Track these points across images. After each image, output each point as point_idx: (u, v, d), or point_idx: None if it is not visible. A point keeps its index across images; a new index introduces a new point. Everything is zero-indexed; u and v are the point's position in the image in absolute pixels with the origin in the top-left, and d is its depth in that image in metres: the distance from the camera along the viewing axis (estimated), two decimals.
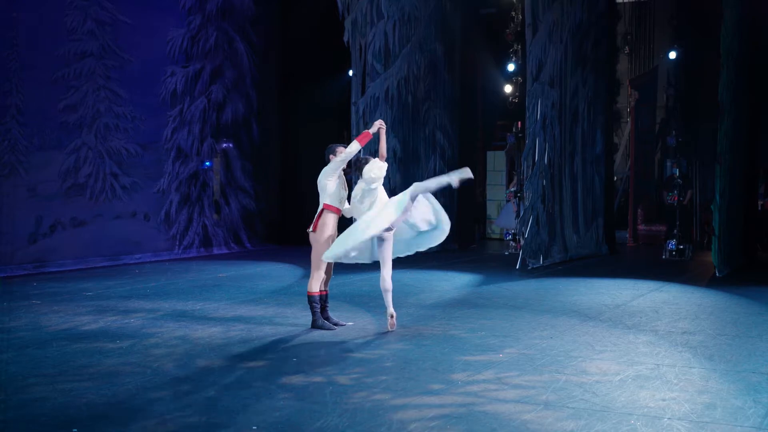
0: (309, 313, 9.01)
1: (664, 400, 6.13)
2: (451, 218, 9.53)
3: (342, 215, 9.00)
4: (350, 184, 9.11)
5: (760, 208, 18.01)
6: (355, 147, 8.92)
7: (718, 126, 13.40)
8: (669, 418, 5.66)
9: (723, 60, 13.39)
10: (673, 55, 18.98)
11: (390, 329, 8.69)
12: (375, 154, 9.27)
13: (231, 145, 18.18)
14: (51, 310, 10.31)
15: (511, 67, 19.97)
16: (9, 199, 14.17)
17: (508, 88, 20.52)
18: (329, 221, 8.69)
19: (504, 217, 19.40)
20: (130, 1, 16.18)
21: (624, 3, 22.64)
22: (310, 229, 8.70)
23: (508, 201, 19.39)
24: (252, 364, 7.37)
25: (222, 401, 6.18)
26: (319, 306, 8.86)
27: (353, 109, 16.18)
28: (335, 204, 8.79)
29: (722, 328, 9.12)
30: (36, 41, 14.60)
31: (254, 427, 5.52)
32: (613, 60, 18.78)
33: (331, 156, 8.94)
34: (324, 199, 8.75)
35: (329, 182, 8.78)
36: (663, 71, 22.98)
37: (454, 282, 13.11)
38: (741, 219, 15.07)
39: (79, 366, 7.31)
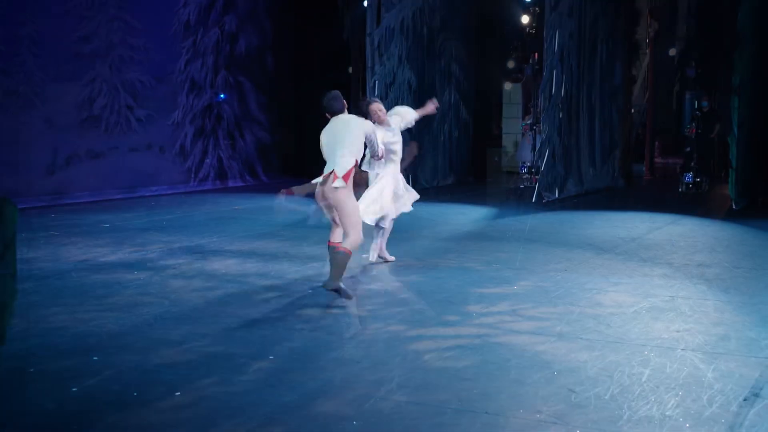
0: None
1: (678, 331, 6.17)
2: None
3: None
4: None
5: None
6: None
7: (738, 56, 13.22)
8: (683, 349, 5.70)
9: None
10: None
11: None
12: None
13: (224, 96, 18.00)
14: (69, 241, 10.40)
15: None
16: (25, 129, 14.18)
17: (525, 19, 20.22)
18: (353, 178, 7.51)
19: (523, 150, 19.33)
20: None
21: None
22: (338, 183, 7.16)
23: (524, 134, 19.29)
24: (268, 295, 7.44)
25: (239, 331, 6.25)
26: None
27: (368, 40, 16.03)
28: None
29: (738, 261, 9.12)
30: None
31: (271, 357, 5.60)
32: None
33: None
34: (355, 154, 7.38)
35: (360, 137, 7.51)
36: (683, 1, 22.63)
37: (469, 215, 13.12)
38: (760, 152, 14.94)
39: (98, 296, 7.40)
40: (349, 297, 7.04)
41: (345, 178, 7.18)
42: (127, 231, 11.30)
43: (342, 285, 7.05)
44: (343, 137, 7.36)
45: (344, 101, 7.68)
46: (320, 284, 7.62)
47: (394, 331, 6.20)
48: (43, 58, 14.45)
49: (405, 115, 9.15)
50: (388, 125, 8.70)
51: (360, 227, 7.41)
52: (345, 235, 7.32)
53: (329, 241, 7.64)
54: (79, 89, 15.18)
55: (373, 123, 8.09)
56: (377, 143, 7.93)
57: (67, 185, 14.90)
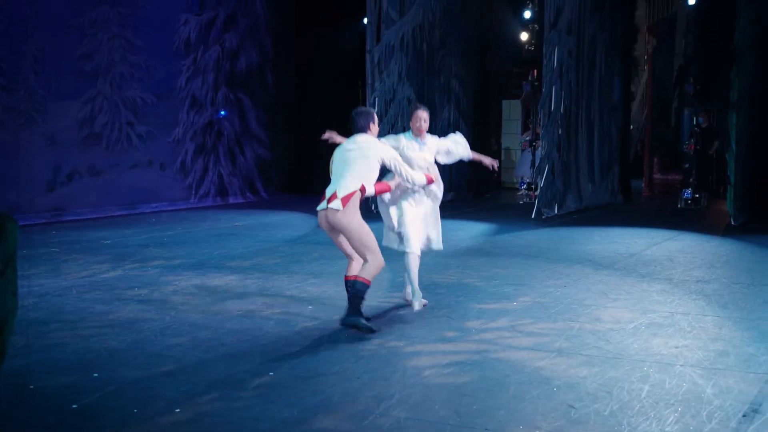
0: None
1: (677, 347, 6.18)
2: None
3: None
4: None
5: None
6: (418, 178, 7.19)
7: (735, 72, 13.28)
8: (681, 365, 5.71)
9: (740, 6, 13.24)
10: (692, 0, 18.72)
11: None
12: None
13: (224, 113, 18.05)
14: (70, 257, 10.41)
15: (527, 14, 19.79)
16: (27, 146, 14.21)
17: (524, 36, 20.35)
18: (357, 202, 6.75)
19: (522, 166, 19.38)
20: None
21: None
22: (335, 205, 6.62)
23: (523, 150, 19.34)
24: (268, 312, 7.45)
25: (239, 347, 6.26)
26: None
27: (368, 57, 16.09)
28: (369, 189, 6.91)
29: (737, 277, 9.13)
30: None
31: (271, 373, 5.60)
32: (631, 6, 18.56)
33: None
34: (364, 179, 6.75)
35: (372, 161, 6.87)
36: (682, 17, 22.72)
37: (469, 231, 13.13)
38: (757, 168, 14.98)
39: (98, 312, 7.40)
40: (372, 331, 6.54)
41: (344, 200, 6.58)
42: (127, 247, 11.31)
43: (362, 320, 6.57)
44: (355, 158, 6.80)
45: (372, 120, 7.05)
46: (320, 301, 7.63)
47: (394, 347, 6.20)
48: (45, 75, 14.48)
49: (454, 147, 7.75)
50: (424, 142, 7.50)
51: (377, 250, 6.72)
52: (363, 262, 6.72)
53: (346, 276, 6.94)
54: (81, 106, 15.21)
55: (411, 131, 7.46)
56: (401, 169, 6.98)
57: (68, 202, 14.92)
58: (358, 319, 6.54)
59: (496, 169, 7.93)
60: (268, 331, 6.74)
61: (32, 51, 14.25)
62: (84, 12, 15.13)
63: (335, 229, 6.76)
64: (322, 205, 6.72)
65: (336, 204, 6.57)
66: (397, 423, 4.67)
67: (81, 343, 6.39)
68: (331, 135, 7.44)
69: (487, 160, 7.85)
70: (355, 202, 6.64)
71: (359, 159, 6.77)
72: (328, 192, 6.74)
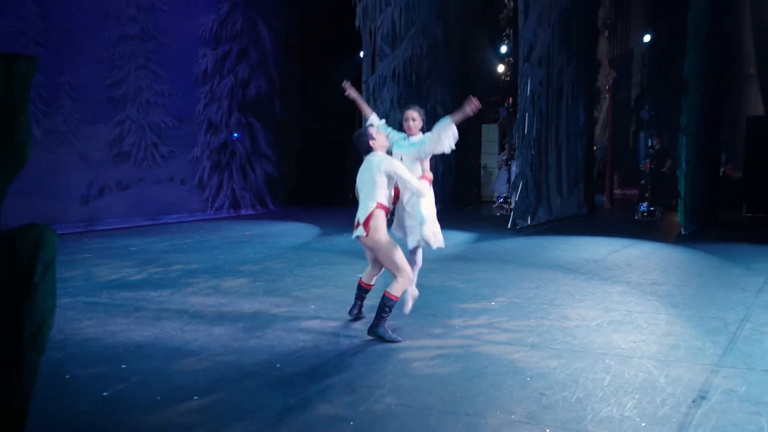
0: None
1: (634, 342, 6.19)
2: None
3: None
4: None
5: (721, 174, 17.99)
6: (421, 187, 6.59)
7: (684, 100, 13.34)
8: (639, 358, 5.71)
9: (690, 41, 13.31)
10: (647, 38, 18.81)
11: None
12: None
13: (237, 135, 18.08)
14: (101, 262, 10.39)
15: (504, 48, 19.82)
16: (63, 165, 14.22)
17: (501, 68, 20.38)
18: (379, 222, 6.36)
19: (498, 182, 19.41)
20: None
21: None
22: (359, 232, 6.37)
23: (500, 168, 19.36)
24: (275, 310, 7.44)
25: (249, 342, 6.25)
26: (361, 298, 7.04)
27: (364, 86, 16.11)
28: (386, 203, 6.51)
29: (687, 280, 9.15)
30: (85, 26, 14.53)
31: (278, 365, 5.59)
32: (594, 42, 18.61)
33: (370, 141, 6.56)
34: (377, 198, 6.37)
35: (379, 178, 6.41)
36: (638, 52, 22.79)
37: (451, 239, 13.09)
38: (704, 184, 15.05)
39: (126, 311, 7.39)
40: (396, 341, 6.19)
41: (366, 224, 6.28)
42: (151, 253, 11.29)
43: (388, 332, 6.25)
44: (363, 181, 6.48)
45: (369, 138, 6.56)
46: (322, 300, 7.61)
47: (386, 343, 6.19)
48: (80, 102, 14.50)
49: (439, 134, 6.75)
50: (413, 142, 6.87)
51: (406, 267, 6.38)
52: (394, 278, 6.35)
53: (360, 279, 6.95)
54: (111, 129, 15.23)
55: (404, 132, 6.88)
56: (406, 177, 6.43)
57: (100, 213, 14.91)
58: (384, 331, 6.24)
59: (478, 105, 6.84)
60: (275, 327, 6.73)
61: (68, 81, 14.28)
62: (114, 46, 15.17)
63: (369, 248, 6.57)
64: (354, 233, 6.44)
65: (359, 231, 6.32)
66: (389, 409, 4.66)
67: (110, 337, 6.37)
68: (349, 90, 7.49)
69: (468, 107, 6.76)
70: (376, 222, 6.27)
71: (367, 181, 6.43)
72: (355, 219, 6.43)
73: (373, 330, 6.28)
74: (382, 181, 6.36)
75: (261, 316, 7.17)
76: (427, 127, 6.83)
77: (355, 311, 7.03)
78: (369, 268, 6.92)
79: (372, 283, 6.97)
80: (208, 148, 17.49)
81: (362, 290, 7.00)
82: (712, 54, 14.80)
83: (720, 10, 15.45)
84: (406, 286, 6.40)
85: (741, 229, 14.42)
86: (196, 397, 4.87)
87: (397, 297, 6.31)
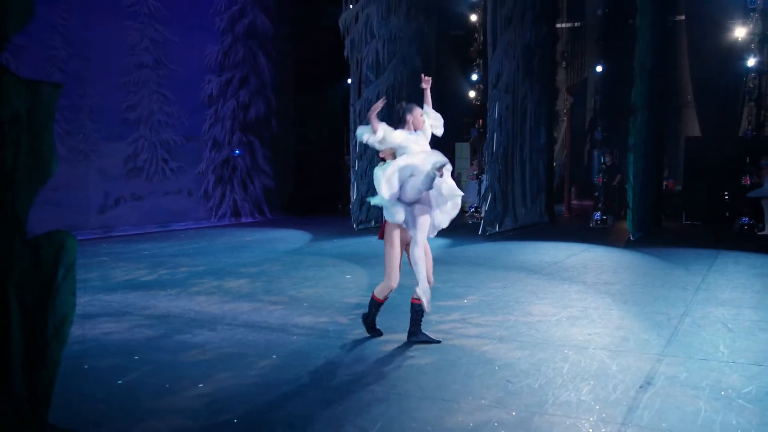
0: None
1: (590, 334, 6.21)
2: None
3: None
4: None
5: (664, 187, 18.14)
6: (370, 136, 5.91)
7: (632, 123, 13.44)
8: (593, 348, 5.74)
9: (636, 72, 13.42)
10: (599, 68, 18.97)
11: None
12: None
13: (239, 152, 18.05)
14: (117, 265, 10.32)
15: (474, 76, 19.88)
16: (83, 178, 14.16)
17: (472, 93, 20.44)
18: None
19: (468, 193, 19.46)
20: (176, 23, 16.09)
21: (562, 27, 22.57)
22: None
23: (471, 180, 19.41)
24: (272, 307, 7.41)
25: (249, 336, 6.22)
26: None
27: (351, 109, 16.11)
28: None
29: (635, 280, 9.20)
30: (104, 55, 14.49)
31: (274, 356, 5.57)
32: (553, 72, 18.73)
33: (407, 120, 6.17)
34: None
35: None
36: (591, 81, 23.01)
37: (429, 244, 13.11)
38: (650, 196, 15.16)
39: (139, 308, 7.34)
40: (435, 341, 5.87)
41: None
42: (162, 257, 11.23)
43: (421, 335, 5.85)
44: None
45: (404, 122, 6.03)
46: (313, 299, 7.58)
47: (371, 336, 6.18)
48: (99, 123, 14.46)
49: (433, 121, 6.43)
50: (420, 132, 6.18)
51: (390, 275, 5.86)
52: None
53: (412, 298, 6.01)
54: (126, 146, 15.18)
55: (411, 127, 6.11)
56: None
57: (116, 221, 14.83)
58: (418, 336, 5.83)
59: (429, 80, 6.51)
60: (271, 323, 6.71)
61: (88, 104, 14.24)
62: (130, 73, 15.15)
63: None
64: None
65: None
66: (373, 395, 4.66)
67: (124, 332, 6.33)
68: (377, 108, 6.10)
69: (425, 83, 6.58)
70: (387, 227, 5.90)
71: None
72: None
73: (410, 336, 5.90)
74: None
75: (260, 313, 7.14)
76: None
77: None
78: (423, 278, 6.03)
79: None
80: (213, 164, 17.45)
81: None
82: (655, 83, 14.95)
83: (662, 44, 15.63)
84: (385, 290, 5.93)
85: (681, 236, 14.53)
86: (201, 385, 4.84)
87: (375, 297, 6.00)
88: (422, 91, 6.54)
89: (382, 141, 5.79)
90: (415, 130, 5.99)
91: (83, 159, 14.19)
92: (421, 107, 6.34)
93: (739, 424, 4.11)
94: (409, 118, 5.96)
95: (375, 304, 6.07)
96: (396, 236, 5.90)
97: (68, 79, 13.70)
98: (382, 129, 5.77)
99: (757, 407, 4.39)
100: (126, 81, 15.10)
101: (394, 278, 5.91)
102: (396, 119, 6.01)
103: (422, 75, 6.67)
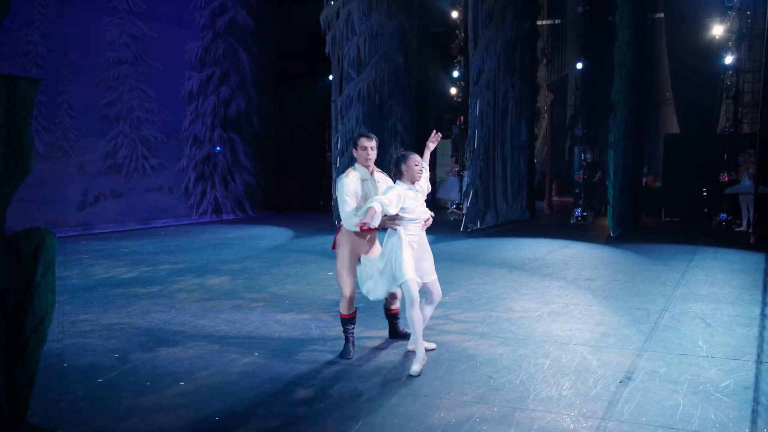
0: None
1: (570, 330, 6.25)
2: None
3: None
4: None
5: (644, 184, 18.29)
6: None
7: (612, 120, 13.53)
8: (574, 344, 5.77)
9: (616, 70, 13.51)
10: (579, 65, 19.06)
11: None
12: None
13: (219, 149, 17.98)
14: (96, 262, 10.24)
15: (455, 73, 19.90)
16: (62, 175, 14.02)
17: (453, 90, 20.46)
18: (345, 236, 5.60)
19: (445, 189, 19.52)
20: (156, 19, 15.96)
21: (543, 24, 22.65)
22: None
23: (452, 176, 19.45)
24: (254, 305, 7.39)
25: (230, 333, 6.20)
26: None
27: (333, 105, 16.09)
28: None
29: (615, 276, 9.27)
30: (82, 51, 14.36)
31: (256, 353, 5.55)
32: (534, 69, 18.80)
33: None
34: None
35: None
36: (572, 78, 23.09)
37: None
38: (630, 192, 15.27)
39: (119, 306, 7.29)
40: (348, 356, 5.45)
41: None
42: (142, 254, 11.16)
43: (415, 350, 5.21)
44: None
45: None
46: (295, 296, 7.55)
47: (354, 333, 6.18)
48: (77, 119, 14.32)
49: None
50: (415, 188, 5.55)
51: (343, 287, 5.54)
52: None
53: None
54: (105, 143, 15.04)
55: (404, 179, 5.38)
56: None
57: (95, 218, 14.71)
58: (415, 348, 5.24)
59: (438, 138, 6.05)
60: (253, 320, 6.69)
61: (67, 99, 14.10)
62: (109, 69, 15.02)
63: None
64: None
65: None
66: (355, 391, 4.66)
67: (104, 330, 6.28)
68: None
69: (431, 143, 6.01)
70: (340, 237, 5.59)
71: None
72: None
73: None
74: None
75: (241, 310, 7.11)
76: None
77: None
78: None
79: (393, 307, 5.98)
80: (194, 160, 17.36)
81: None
82: (634, 80, 15.06)
83: (641, 42, 15.75)
84: (342, 305, 5.57)
85: (660, 232, 14.66)
86: (182, 383, 4.81)
87: (341, 314, 5.61)
88: (425, 147, 6.00)
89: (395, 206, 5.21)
90: (412, 183, 5.39)
91: (62, 155, 14.05)
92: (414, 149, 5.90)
93: (717, 418, 4.16)
94: (403, 168, 5.34)
95: (344, 321, 5.59)
96: (347, 246, 5.50)
97: (46, 75, 13.57)
98: (394, 207, 5.18)
99: (735, 401, 4.44)
100: (105, 77, 14.97)
101: (349, 287, 5.52)
102: (392, 165, 5.42)
103: (434, 131, 6.08)
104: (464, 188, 15.88)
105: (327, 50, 16.09)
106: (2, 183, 1.96)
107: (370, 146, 5.57)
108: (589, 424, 4.08)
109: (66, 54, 14.01)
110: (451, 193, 19.36)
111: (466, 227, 14.65)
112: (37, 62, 13.48)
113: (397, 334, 6.02)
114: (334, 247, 5.64)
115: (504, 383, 4.78)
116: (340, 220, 5.57)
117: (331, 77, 16.63)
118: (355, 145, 5.60)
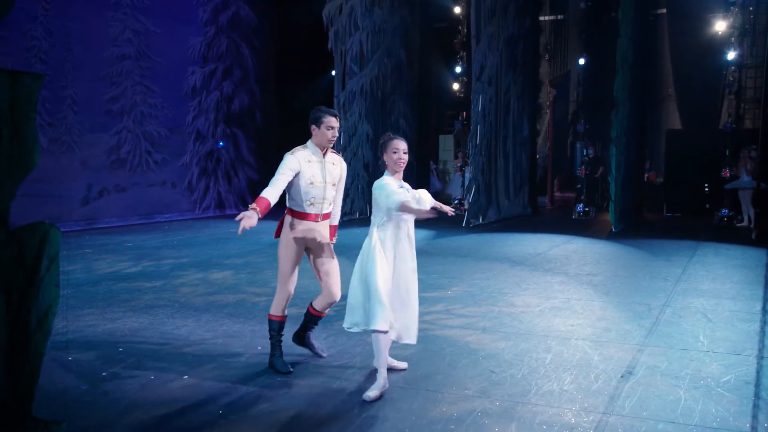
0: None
1: (572, 325, 6.25)
2: (410, 187, 6.09)
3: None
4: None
5: (645, 179, 18.26)
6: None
7: (614, 115, 13.51)
8: (576, 339, 5.77)
9: (618, 66, 13.49)
10: (582, 61, 19.01)
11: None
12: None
13: (222, 144, 17.98)
14: (100, 257, 10.25)
15: (458, 69, 19.88)
16: (66, 170, 14.05)
17: (455, 86, 20.43)
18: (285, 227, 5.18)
19: (453, 186, 19.49)
20: (159, 14, 15.96)
21: (545, 20, 22.61)
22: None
23: (455, 173, 19.45)
24: (256, 299, 7.40)
25: (233, 327, 6.21)
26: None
27: (335, 101, 16.09)
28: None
29: (617, 271, 9.26)
30: (86, 46, 14.37)
31: (259, 347, 5.56)
32: (536, 64, 18.77)
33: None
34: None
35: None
36: (574, 74, 23.06)
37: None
38: (632, 188, 15.25)
39: (123, 300, 7.30)
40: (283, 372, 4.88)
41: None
42: (146, 249, 11.17)
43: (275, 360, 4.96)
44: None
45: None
46: (298, 290, 7.59)
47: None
48: (81, 114, 14.34)
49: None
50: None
51: (282, 283, 5.07)
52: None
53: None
54: (109, 138, 15.06)
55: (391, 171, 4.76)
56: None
57: (99, 213, 14.73)
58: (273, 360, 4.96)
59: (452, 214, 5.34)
60: (256, 314, 6.69)
61: (71, 95, 14.13)
62: (112, 65, 15.04)
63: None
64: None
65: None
66: (358, 386, 4.66)
67: (109, 323, 6.29)
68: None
69: (446, 208, 5.23)
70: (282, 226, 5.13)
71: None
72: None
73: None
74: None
75: (244, 304, 7.12)
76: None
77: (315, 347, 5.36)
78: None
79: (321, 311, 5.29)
80: (197, 155, 17.37)
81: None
82: (637, 76, 15.03)
83: (643, 38, 15.72)
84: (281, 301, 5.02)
85: (662, 227, 14.64)
86: (186, 377, 4.82)
87: (275, 316, 5.03)
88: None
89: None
90: (393, 173, 4.73)
91: (66, 150, 14.07)
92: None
93: (718, 413, 4.16)
94: (384, 158, 4.73)
95: (274, 326, 5.00)
96: (293, 230, 4.95)
97: (50, 70, 13.58)
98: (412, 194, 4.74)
99: (736, 396, 4.44)
100: (108, 72, 14.98)
101: (291, 282, 5.03)
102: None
103: (452, 209, 5.27)
104: (466, 184, 15.87)
105: (330, 45, 16.08)
106: (6, 178, 1.96)
107: (337, 127, 4.93)
108: (591, 418, 4.08)
109: (69, 49, 14.02)
110: (453, 189, 19.37)
111: (468, 222, 14.64)
112: (41, 57, 13.49)
113: (303, 342, 5.27)
114: (277, 235, 5.04)
115: (506, 378, 4.78)
116: (290, 204, 5.02)
117: (333, 72, 16.61)
118: (318, 122, 4.91)
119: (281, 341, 5.06)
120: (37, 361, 2.07)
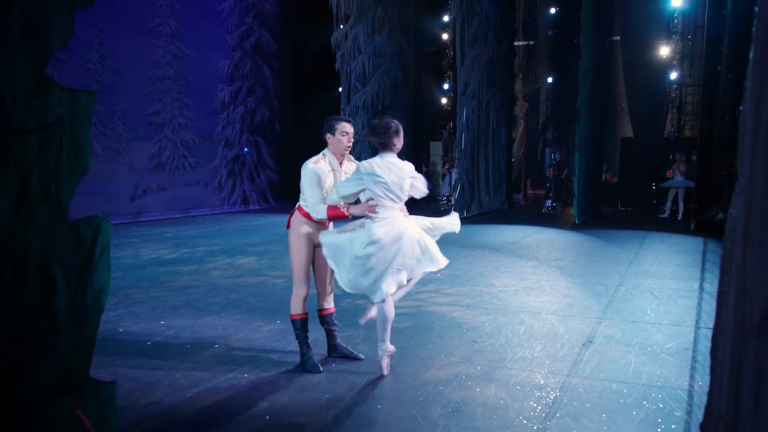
0: None
1: (542, 302, 6.26)
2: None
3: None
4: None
5: (603, 179, 18.25)
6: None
7: (577, 125, 13.52)
8: (545, 313, 5.79)
9: (580, 84, 13.47)
10: (550, 80, 19.00)
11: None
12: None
13: (247, 150, 17.96)
14: (145, 245, 10.26)
15: (446, 86, 19.88)
16: (116, 172, 14.06)
17: (444, 100, 20.44)
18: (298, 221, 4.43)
19: (445, 186, 19.51)
20: (193, 41, 15.93)
21: (519, 45, 22.56)
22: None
23: (444, 175, 19.45)
24: (277, 281, 7.40)
25: (256, 304, 6.21)
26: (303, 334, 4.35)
27: (342, 113, 16.08)
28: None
29: (579, 256, 9.28)
30: (133, 68, 14.36)
31: (278, 321, 5.56)
32: (512, 82, 18.74)
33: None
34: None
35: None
36: (544, 90, 23.05)
37: None
38: (592, 186, 15.25)
39: (164, 281, 7.31)
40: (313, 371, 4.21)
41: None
42: (182, 238, 11.17)
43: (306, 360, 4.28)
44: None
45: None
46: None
47: (358, 305, 6.20)
48: (128, 125, 14.35)
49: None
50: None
51: (297, 281, 4.31)
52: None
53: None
54: (152, 145, 15.06)
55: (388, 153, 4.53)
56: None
57: (143, 208, 14.74)
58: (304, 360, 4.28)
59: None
60: (276, 294, 6.71)
61: (120, 109, 14.13)
62: (155, 83, 15.03)
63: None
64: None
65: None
66: (362, 352, 4.66)
67: (152, 301, 6.30)
68: None
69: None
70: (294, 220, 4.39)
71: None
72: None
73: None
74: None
75: (265, 285, 7.13)
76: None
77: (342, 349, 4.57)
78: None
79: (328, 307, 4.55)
80: (225, 160, 17.38)
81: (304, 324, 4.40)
82: (596, 92, 15.00)
83: (601, 61, 15.68)
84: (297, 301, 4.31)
85: (617, 220, 14.64)
86: (216, 346, 4.84)
87: (296, 314, 4.33)
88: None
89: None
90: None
91: (116, 156, 14.07)
92: (387, 122, 4.45)
93: (662, 374, 4.18)
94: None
95: (296, 324, 4.31)
96: (303, 231, 4.28)
97: (103, 89, 13.58)
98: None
99: (677, 360, 4.46)
100: (151, 90, 14.97)
101: (304, 280, 4.29)
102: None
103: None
104: (453, 183, 15.87)
105: (337, 66, 16.05)
106: (66, 179, 1.98)
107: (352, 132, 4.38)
108: (557, 380, 4.09)
109: (119, 71, 14.01)
110: (445, 188, 19.38)
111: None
112: (96, 78, 13.49)
113: (337, 351, 4.50)
114: (288, 226, 4.37)
115: (486, 346, 4.80)
116: (303, 204, 4.40)
117: (340, 89, 16.59)
118: (333, 130, 4.38)
119: (307, 338, 4.31)
120: (93, 332, 2.09)
